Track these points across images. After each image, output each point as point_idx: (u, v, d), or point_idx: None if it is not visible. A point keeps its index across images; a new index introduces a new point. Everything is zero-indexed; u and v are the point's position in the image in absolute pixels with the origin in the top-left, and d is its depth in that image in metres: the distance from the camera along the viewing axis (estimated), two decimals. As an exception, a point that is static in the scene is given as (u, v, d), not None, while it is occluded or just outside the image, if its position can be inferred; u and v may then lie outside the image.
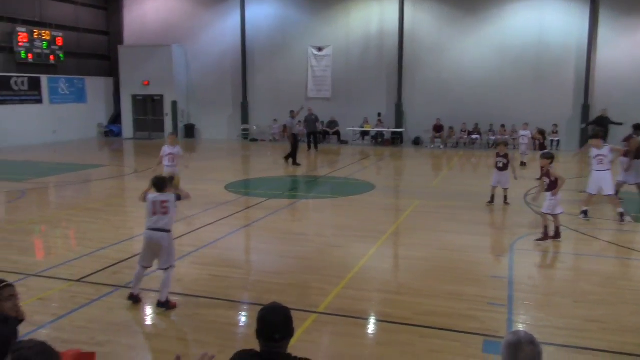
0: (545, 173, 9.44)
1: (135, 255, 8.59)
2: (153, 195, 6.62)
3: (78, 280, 7.40)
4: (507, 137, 24.35)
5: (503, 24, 25.62)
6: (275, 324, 2.84)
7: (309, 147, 23.65)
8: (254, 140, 28.73)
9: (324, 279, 7.57)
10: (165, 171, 12.17)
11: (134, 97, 30.10)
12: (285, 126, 27.88)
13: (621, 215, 10.84)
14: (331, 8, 27.73)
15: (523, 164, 19.27)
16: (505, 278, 7.62)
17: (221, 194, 13.75)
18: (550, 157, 9.54)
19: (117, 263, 8.12)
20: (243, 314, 6.67)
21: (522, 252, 8.94)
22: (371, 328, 6.27)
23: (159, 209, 6.50)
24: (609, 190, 10.97)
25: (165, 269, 6.60)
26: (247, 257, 9.32)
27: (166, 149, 12.51)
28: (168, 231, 6.58)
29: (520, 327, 6.12)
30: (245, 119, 29.42)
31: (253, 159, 23.02)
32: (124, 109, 30.30)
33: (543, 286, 7.58)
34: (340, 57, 27.77)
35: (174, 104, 29.50)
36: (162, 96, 29.67)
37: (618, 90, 24.19)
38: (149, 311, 6.65)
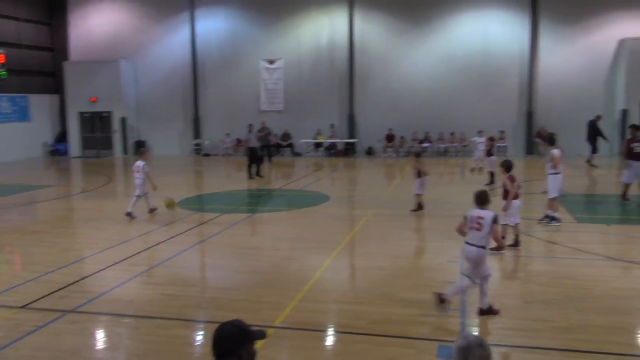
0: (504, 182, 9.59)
1: (84, 278, 8.34)
2: (474, 210, 6.57)
3: (23, 307, 7.11)
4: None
5: (449, 34, 26.32)
6: (213, 341, 2.86)
7: (262, 161, 23.54)
8: (207, 154, 28.43)
9: (280, 292, 7.52)
10: (141, 184, 12.77)
11: (81, 114, 29.35)
12: (239, 140, 27.79)
13: (551, 218, 11.27)
14: (281, 21, 27.85)
15: (474, 169, 19.77)
16: (458, 282, 7.76)
17: (173, 211, 13.51)
18: (504, 166, 9.50)
19: (65, 287, 7.84)
20: (199, 332, 6.55)
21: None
22: (328, 340, 6.27)
23: (474, 225, 6.46)
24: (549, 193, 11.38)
25: (481, 279, 6.53)
26: (201, 274, 9.18)
27: (146, 166, 12.95)
28: (480, 247, 6.43)
29: (474, 330, 6.25)
30: (197, 133, 29.10)
31: (206, 174, 22.76)
32: (71, 126, 29.48)
33: (495, 289, 7.74)
34: (292, 70, 27.88)
35: (123, 120, 28.92)
36: (110, 113, 29.04)
37: (559, 96, 25.20)
38: (99, 335, 6.46)
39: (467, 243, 6.52)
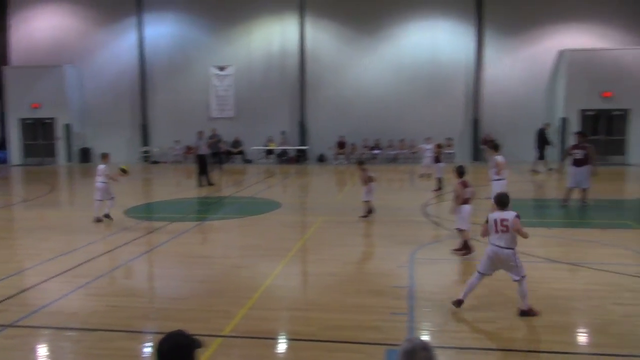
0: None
1: (24, 290, 8.02)
2: (495, 213, 6.77)
3: (-42, 322, 6.77)
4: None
5: (398, 43, 26.84)
6: (158, 352, 2.81)
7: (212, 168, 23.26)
8: (156, 162, 27.91)
9: (230, 301, 7.45)
10: (102, 187, 12.96)
11: (23, 120, 28.31)
12: (188, 147, 27.41)
13: None
14: (232, 27, 27.72)
15: (423, 176, 20.19)
16: (407, 287, 7.90)
17: (120, 220, 13.20)
18: (457, 171, 9.63)
19: (3, 300, 7.52)
20: (146, 344, 6.40)
21: (421, 261, 9.31)
22: (278, 347, 6.24)
23: (500, 227, 6.63)
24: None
25: (518, 280, 6.67)
26: (149, 284, 8.98)
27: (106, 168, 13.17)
28: (511, 249, 6.64)
29: (422, 333, 6.35)
30: (145, 140, 28.55)
31: (155, 181, 22.32)
32: (11, 133, 28.38)
33: (441, 293, 7.90)
34: (243, 77, 27.78)
35: (68, 127, 28.05)
36: (54, 119, 28.12)
37: (503, 104, 26.09)
38: (42, 351, 6.22)
39: (496, 245, 6.71)
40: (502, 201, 6.87)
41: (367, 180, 13.01)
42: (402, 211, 13.84)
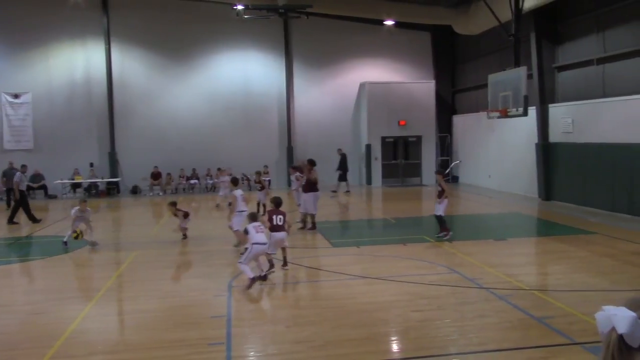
0: None
1: None
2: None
3: None
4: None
5: (211, 73, 26.94)
6: None
7: (8, 205, 20.83)
8: None
9: (27, 352, 6.68)
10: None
11: None
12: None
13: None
14: (26, 51, 25.35)
15: (219, 205, 20.29)
16: (224, 316, 7.84)
17: None
18: (274, 202, 10.59)
19: None
20: None
21: (239, 288, 9.33)
22: (85, 396, 5.75)
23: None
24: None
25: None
26: None
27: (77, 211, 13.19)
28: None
29: (241, 361, 6.34)
30: None
31: None
32: None
33: (258, 318, 8.01)
34: (42, 105, 25.48)
35: None
36: None
37: (313, 133, 27.58)
38: None
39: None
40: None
41: (185, 215, 13.96)
42: (219, 239, 13.75)
